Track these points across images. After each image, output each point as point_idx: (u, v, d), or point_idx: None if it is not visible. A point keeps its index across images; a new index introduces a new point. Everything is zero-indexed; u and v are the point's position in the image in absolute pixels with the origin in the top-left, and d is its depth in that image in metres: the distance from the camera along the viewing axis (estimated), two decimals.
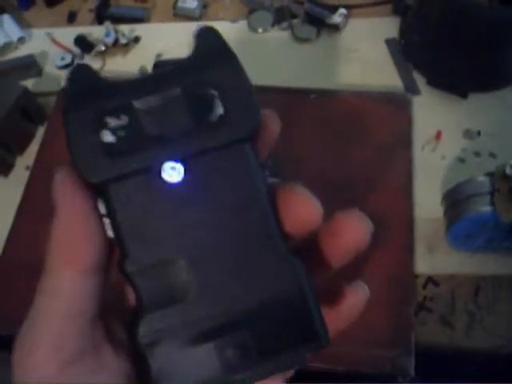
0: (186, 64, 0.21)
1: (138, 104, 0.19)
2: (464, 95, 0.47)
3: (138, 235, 0.19)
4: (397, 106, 0.45)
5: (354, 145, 0.44)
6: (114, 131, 0.19)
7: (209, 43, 0.21)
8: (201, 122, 0.19)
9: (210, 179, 0.19)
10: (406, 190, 0.42)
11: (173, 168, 0.19)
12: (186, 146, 0.19)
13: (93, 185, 0.19)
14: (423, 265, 0.41)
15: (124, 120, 0.19)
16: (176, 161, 0.19)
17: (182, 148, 0.19)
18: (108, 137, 0.19)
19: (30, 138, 0.50)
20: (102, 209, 0.20)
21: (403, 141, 0.44)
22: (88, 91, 0.19)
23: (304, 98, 0.46)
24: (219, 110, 0.19)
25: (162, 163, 0.19)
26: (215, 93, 0.19)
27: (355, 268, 0.39)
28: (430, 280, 0.41)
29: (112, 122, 0.19)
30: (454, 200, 0.39)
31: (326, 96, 0.46)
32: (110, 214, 0.19)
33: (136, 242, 0.20)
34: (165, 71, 0.20)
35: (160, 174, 0.19)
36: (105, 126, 0.19)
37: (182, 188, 0.19)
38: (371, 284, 0.38)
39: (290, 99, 0.46)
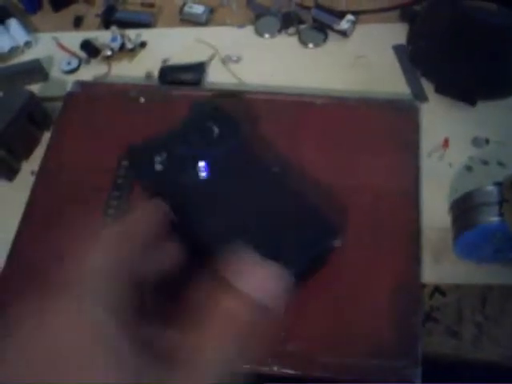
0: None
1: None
2: (472, 103, 0.47)
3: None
4: (404, 113, 0.45)
5: (360, 152, 0.43)
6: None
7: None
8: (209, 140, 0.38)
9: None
10: (413, 199, 0.41)
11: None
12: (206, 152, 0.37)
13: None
14: (430, 274, 0.41)
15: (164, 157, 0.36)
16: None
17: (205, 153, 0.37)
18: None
19: (35, 142, 0.50)
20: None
21: (410, 148, 0.43)
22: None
23: (311, 105, 0.46)
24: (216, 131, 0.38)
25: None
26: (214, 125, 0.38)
27: (361, 277, 0.39)
28: (437, 290, 0.41)
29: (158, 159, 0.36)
30: (462, 209, 0.39)
31: (332, 102, 0.46)
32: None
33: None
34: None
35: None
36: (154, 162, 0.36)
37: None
38: (377, 294, 0.38)
39: (297, 105, 0.46)
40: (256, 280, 0.26)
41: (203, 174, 0.36)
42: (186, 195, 0.35)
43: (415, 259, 0.39)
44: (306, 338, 0.37)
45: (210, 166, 0.37)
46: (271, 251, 0.27)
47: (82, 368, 0.22)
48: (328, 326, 0.37)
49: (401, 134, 0.44)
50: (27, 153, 0.50)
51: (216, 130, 0.38)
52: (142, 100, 0.48)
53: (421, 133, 0.45)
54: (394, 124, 0.44)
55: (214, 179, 0.36)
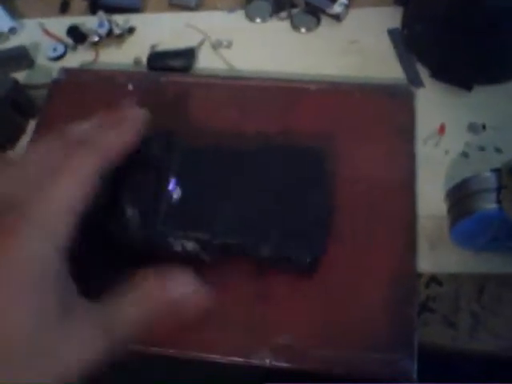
0: None
1: None
2: (469, 88, 0.45)
3: None
4: (399, 99, 0.43)
5: (354, 138, 0.42)
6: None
7: None
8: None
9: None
10: (409, 186, 0.40)
11: None
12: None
13: None
14: (425, 263, 0.40)
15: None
16: None
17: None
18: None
19: (20, 131, 0.49)
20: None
21: (406, 135, 0.42)
22: None
23: (304, 90, 0.44)
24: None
25: None
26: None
27: (356, 268, 0.38)
28: (433, 279, 0.40)
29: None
30: (459, 197, 0.38)
31: (326, 88, 0.45)
32: None
33: None
34: None
35: None
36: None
37: None
38: (372, 284, 0.37)
39: (290, 90, 0.45)
40: (177, 283, 0.30)
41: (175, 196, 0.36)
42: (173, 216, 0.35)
43: (411, 248, 0.38)
44: (298, 331, 0.36)
45: (179, 182, 0.36)
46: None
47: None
48: (322, 318, 0.36)
49: (396, 120, 0.43)
50: (12, 142, 0.48)
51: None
52: (131, 87, 0.46)
53: (416, 119, 0.43)
54: (388, 110, 0.43)
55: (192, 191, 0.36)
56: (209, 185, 0.36)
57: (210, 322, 0.36)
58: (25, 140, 0.49)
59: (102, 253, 0.35)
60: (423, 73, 0.48)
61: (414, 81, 0.47)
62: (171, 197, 0.35)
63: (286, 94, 0.45)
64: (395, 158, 0.41)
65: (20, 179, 0.28)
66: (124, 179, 0.35)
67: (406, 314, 0.36)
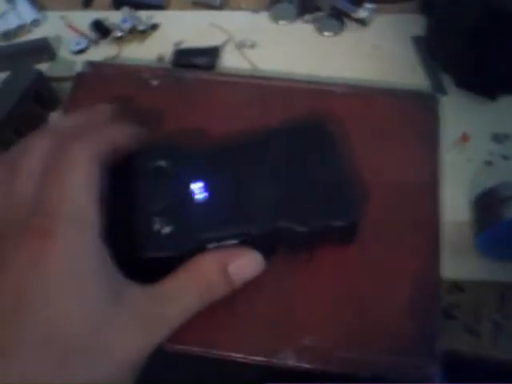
0: None
1: None
2: (493, 97, 0.46)
3: None
4: (424, 106, 0.43)
5: (379, 143, 0.42)
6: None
7: None
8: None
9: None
10: (434, 193, 0.40)
11: None
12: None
13: None
14: (448, 270, 0.40)
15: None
16: None
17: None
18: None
19: (41, 123, 0.49)
20: None
21: (430, 141, 0.42)
22: None
23: (329, 93, 0.44)
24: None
25: None
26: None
27: (380, 272, 0.38)
28: (455, 286, 0.40)
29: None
30: (486, 204, 0.38)
31: (351, 91, 0.45)
32: None
33: None
34: None
35: None
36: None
37: None
38: (397, 289, 0.37)
39: (315, 92, 0.45)
40: (239, 263, 0.31)
41: (201, 196, 0.35)
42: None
43: (435, 255, 0.38)
44: (322, 333, 0.36)
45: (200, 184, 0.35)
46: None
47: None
48: (346, 321, 0.36)
49: (421, 126, 0.43)
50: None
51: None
52: (155, 82, 0.46)
53: (441, 126, 0.43)
54: (414, 115, 0.43)
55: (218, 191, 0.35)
56: (230, 180, 0.36)
57: (234, 319, 0.36)
58: None
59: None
60: (446, 81, 0.48)
61: (438, 89, 0.48)
62: (196, 201, 0.35)
63: (310, 95, 0.45)
64: (420, 163, 0.41)
65: (30, 183, 0.28)
66: (138, 198, 0.34)
67: (431, 319, 0.36)
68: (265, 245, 0.35)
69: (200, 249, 0.33)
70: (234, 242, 0.34)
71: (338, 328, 0.36)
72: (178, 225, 0.33)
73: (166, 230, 0.33)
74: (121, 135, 0.33)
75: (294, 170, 0.36)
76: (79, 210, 0.27)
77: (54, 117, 0.49)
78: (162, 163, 0.36)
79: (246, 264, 0.31)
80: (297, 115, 0.43)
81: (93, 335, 0.25)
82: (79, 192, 0.27)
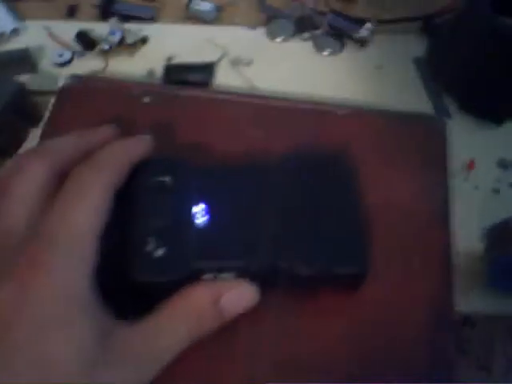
0: None
1: None
2: (499, 122, 0.44)
3: None
4: (432, 130, 0.42)
5: (386, 168, 0.40)
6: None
7: None
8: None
9: None
10: (443, 220, 0.38)
11: None
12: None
13: None
14: (458, 303, 0.38)
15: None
16: None
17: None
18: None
19: (22, 139, 0.45)
20: None
21: (438, 166, 0.40)
22: None
23: (331, 115, 0.42)
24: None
25: None
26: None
27: (390, 304, 0.35)
28: (467, 320, 0.38)
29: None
30: (498, 236, 0.36)
31: (354, 113, 0.42)
32: None
33: None
34: None
35: None
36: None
37: None
38: (408, 321, 0.34)
39: (317, 114, 0.42)
40: (232, 296, 0.29)
41: (201, 220, 0.32)
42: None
43: (447, 285, 0.36)
44: (333, 374, 0.33)
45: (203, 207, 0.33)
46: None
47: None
48: (356, 351, 0.33)
49: (428, 151, 0.41)
50: (14, 149, 0.45)
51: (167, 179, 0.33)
52: (147, 100, 0.43)
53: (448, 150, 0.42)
54: (421, 139, 0.41)
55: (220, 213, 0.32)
56: (234, 206, 0.33)
57: (235, 360, 0.33)
58: (26, 148, 0.45)
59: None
60: (450, 104, 0.47)
61: (441, 112, 0.46)
62: (198, 226, 0.32)
63: (313, 116, 0.42)
64: (429, 189, 0.39)
65: (23, 208, 0.26)
66: (132, 213, 0.31)
67: (445, 345, 0.34)
68: (263, 280, 0.33)
69: (193, 278, 0.30)
70: (231, 274, 0.31)
71: (346, 359, 0.33)
72: (173, 248, 0.30)
73: (159, 252, 0.30)
74: (137, 153, 0.30)
75: (304, 204, 0.33)
76: (79, 244, 0.25)
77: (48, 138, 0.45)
78: (165, 178, 0.33)
79: (239, 297, 0.29)
80: (300, 138, 0.41)
81: (81, 376, 0.22)
82: (83, 224, 0.25)
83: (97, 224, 0.26)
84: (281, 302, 0.35)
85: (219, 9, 0.52)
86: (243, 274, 0.31)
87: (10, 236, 0.25)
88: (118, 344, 0.24)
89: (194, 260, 0.30)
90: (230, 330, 0.33)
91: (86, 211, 0.25)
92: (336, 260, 0.32)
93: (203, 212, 0.32)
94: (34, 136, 0.46)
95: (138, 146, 0.31)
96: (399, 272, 0.36)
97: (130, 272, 0.29)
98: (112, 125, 0.34)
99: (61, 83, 0.46)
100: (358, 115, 0.42)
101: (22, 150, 0.45)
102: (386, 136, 0.41)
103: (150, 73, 0.48)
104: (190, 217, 0.32)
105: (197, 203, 0.32)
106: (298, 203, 0.34)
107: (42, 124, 0.46)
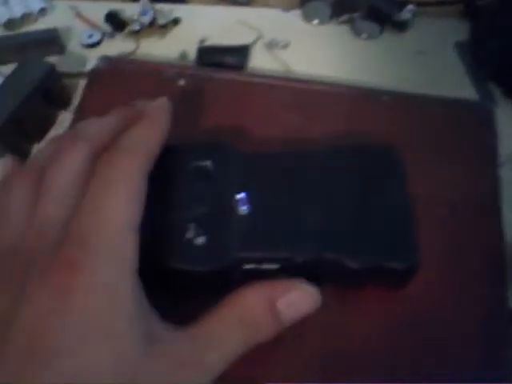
0: None
1: None
2: None
3: None
4: (479, 117, 0.40)
5: (431, 157, 0.38)
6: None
7: None
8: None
9: None
10: (494, 212, 0.36)
11: None
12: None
13: None
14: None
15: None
16: None
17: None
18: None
19: (50, 123, 0.44)
20: None
21: (488, 155, 0.38)
22: None
23: (374, 100, 0.40)
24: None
25: None
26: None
27: (441, 300, 0.34)
28: None
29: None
30: None
31: (399, 99, 0.41)
32: None
33: None
34: None
35: None
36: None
37: None
38: (459, 321, 0.33)
39: (359, 99, 0.41)
40: (290, 299, 0.26)
41: (244, 208, 0.30)
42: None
43: (500, 281, 0.34)
44: (381, 371, 0.31)
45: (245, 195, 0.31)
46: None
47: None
48: (405, 349, 0.32)
49: (478, 140, 0.39)
50: (40, 134, 0.43)
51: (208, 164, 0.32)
52: (182, 82, 0.41)
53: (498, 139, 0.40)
54: (470, 128, 0.39)
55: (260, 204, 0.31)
56: (278, 196, 0.32)
57: (280, 355, 0.31)
58: (54, 133, 0.43)
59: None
60: (495, 90, 0.45)
61: (486, 98, 0.44)
62: (240, 214, 0.30)
63: (354, 102, 0.41)
64: (478, 180, 0.37)
65: (59, 205, 0.24)
66: (173, 199, 0.30)
67: (498, 352, 0.32)
68: (308, 274, 0.31)
69: (235, 268, 0.29)
70: (274, 266, 0.30)
71: (397, 364, 0.32)
72: (214, 237, 0.29)
73: (200, 240, 0.28)
74: (166, 131, 0.28)
75: (352, 196, 0.32)
76: (114, 241, 0.22)
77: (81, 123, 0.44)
78: (206, 163, 0.31)
79: (298, 300, 0.26)
80: (340, 124, 0.39)
81: None
82: (116, 218, 0.23)
83: (132, 216, 0.24)
84: (325, 296, 0.33)
85: None
86: (287, 265, 0.30)
87: (47, 238, 0.23)
88: (165, 354, 0.22)
89: (236, 249, 0.29)
90: None
91: (119, 203, 0.23)
92: (386, 254, 0.30)
93: (245, 200, 0.31)
94: (62, 120, 0.44)
95: (166, 123, 0.29)
96: (449, 267, 0.34)
97: (169, 259, 0.28)
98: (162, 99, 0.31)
99: (91, 65, 0.44)
100: (403, 101, 0.41)
101: (50, 135, 0.43)
102: (432, 124, 0.40)
103: (183, 55, 0.47)
104: (232, 204, 0.30)
105: (239, 190, 0.31)
106: (344, 194, 0.32)
107: (71, 107, 0.45)
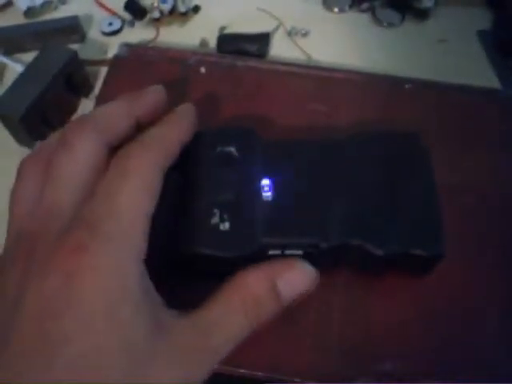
0: None
1: None
2: None
3: None
4: (505, 107, 0.40)
5: (456, 145, 0.38)
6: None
7: None
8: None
9: None
10: None
11: None
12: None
13: None
14: None
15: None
16: None
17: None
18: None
19: (71, 110, 0.44)
20: None
21: (510, 142, 0.38)
22: None
23: (398, 88, 0.40)
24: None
25: None
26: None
27: (465, 293, 0.33)
28: None
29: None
30: None
31: (422, 87, 0.40)
32: None
33: None
34: None
35: None
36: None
37: None
38: (484, 310, 0.33)
39: (382, 87, 0.40)
40: (289, 278, 0.26)
41: (268, 195, 0.30)
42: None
43: None
44: (406, 358, 0.31)
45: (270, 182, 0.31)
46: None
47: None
48: (430, 346, 0.32)
49: (503, 129, 0.39)
50: (61, 122, 0.43)
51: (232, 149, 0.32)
52: (203, 70, 0.41)
53: None
54: (495, 117, 0.39)
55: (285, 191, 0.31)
56: (302, 182, 0.32)
57: (304, 341, 0.32)
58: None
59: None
60: None
61: (509, 88, 0.44)
62: (264, 200, 0.30)
63: (377, 90, 0.40)
64: (504, 170, 0.37)
65: (68, 190, 0.24)
66: (198, 184, 0.30)
67: None
68: (330, 260, 0.31)
69: (261, 254, 0.29)
70: (299, 252, 0.30)
71: (420, 354, 0.31)
72: (239, 223, 0.29)
73: (225, 226, 0.28)
74: (188, 132, 0.28)
75: (378, 183, 0.32)
76: (127, 230, 0.22)
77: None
78: (231, 149, 0.31)
79: (296, 278, 0.26)
80: (365, 112, 0.39)
81: (130, 373, 0.20)
82: (128, 206, 0.23)
83: (145, 205, 0.23)
84: (347, 286, 0.33)
85: None
86: (311, 251, 0.30)
87: (56, 222, 0.23)
88: (169, 337, 0.22)
89: (262, 235, 0.29)
90: (297, 313, 0.32)
91: (132, 192, 0.23)
92: (412, 241, 0.30)
93: (270, 186, 0.31)
94: (83, 107, 0.44)
95: (188, 124, 0.29)
96: (474, 259, 0.34)
97: (194, 244, 0.28)
98: (159, 86, 0.31)
99: (111, 53, 0.44)
100: (426, 89, 0.40)
101: None
102: (456, 112, 0.39)
103: (203, 43, 0.47)
104: (257, 190, 0.30)
105: (263, 177, 0.31)
106: (370, 181, 0.32)
107: (92, 95, 0.45)
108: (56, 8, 0.49)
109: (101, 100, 0.41)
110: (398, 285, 0.33)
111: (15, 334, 0.20)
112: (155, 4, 0.48)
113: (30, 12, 0.48)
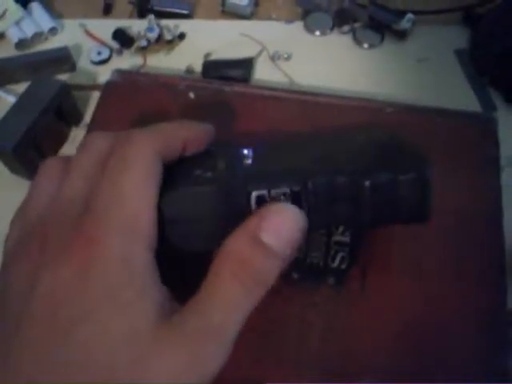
0: None
1: None
2: None
3: None
4: (482, 127, 0.41)
5: (436, 168, 0.39)
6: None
7: None
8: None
9: None
10: (496, 221, 0.37)
11: None
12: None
13: None
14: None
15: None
16: None
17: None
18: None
19: (63, 139, 0.45)
20: None
21: (491, 166, 0.39)
22: None
23: (378, 112, 0.41)
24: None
25: None
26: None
27: (442, 308, 0.35)
28: None
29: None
30: None
31: (403, 112, 0.42)
32: None
33: None
34: None
35: None
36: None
37: None
38: (461, 326, 0.34)
39: (364, 111, 0.42)
40: (271, 225, 0.23)
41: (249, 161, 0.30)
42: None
43: (501, 287, 0.35)
44: (385, 374, 0.33)
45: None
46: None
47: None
48: (408, 363, 0.33)
49: (480, 150, 0.40)
50: (54, 150, 0.44)
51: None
52: (192, 95, 0.43)
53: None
54: (472, 138, 0.40)
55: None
56: (278, 146, 0.30)
57: (285, 356, 0.33)
58: (67, 149, 0.45)
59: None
60: (495, 96, 0.46)
61: (487, 105, 0.45)
62: (244, 164, 0.28)
63: (359, 114, 0.42)
64: (481, 190, 0.38)
65: (83, 181, 0.25)
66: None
67: (498, 353, 0.33)
68: (321, 211, 0.28)
69: (246, 200, 0.26)
70: (285, 190, 0.26)
71: (400, 368, 0.33)
72: (225, 181, 0.27)
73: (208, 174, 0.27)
74: (189, 132, 0.28)
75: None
76: (132, 217, 0.23)
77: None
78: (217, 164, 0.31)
79: (278, 223, 0.23)
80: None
81: (139, 361, 0.21)
82: (133, 196, 0.23)
83: (150, 190, 0.23)
84: (329, 299, 0.34)
85: (256, 3, 0.52)
86: (299, 193, 0.27)
87: (69, 212, 0.23)
88: (173, 324, 0.22)
89: (248, 184, 0.27)
90: (278, 328, 0.33)
91: (135, 179, 0.23)
92: (396, 167, 0.28)
93: (251, 153, 0.29)
94: (74, 136, 0.46)
95: (197, 126, 0.28)
96: (452, 274, 0.36)
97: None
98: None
99: (101, 81, 0.46)
100: (407, 113, 0.42)
101: (63, 151, 0.45)
102: (437, 136, 0.40)
103: (189, 69, 0.48)
104: (238, 158, 0.28)
105: (241, 149, 0.29)
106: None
107: (82, 124, 0.46)
108: (47, 39, 0.51)
109: (94, 123, 0.43)
110: (377, 303, 0.34)
111: (27, 318, 0.21)
112: (142, 33, 0.49)
113: (21, 44, 0.49)
